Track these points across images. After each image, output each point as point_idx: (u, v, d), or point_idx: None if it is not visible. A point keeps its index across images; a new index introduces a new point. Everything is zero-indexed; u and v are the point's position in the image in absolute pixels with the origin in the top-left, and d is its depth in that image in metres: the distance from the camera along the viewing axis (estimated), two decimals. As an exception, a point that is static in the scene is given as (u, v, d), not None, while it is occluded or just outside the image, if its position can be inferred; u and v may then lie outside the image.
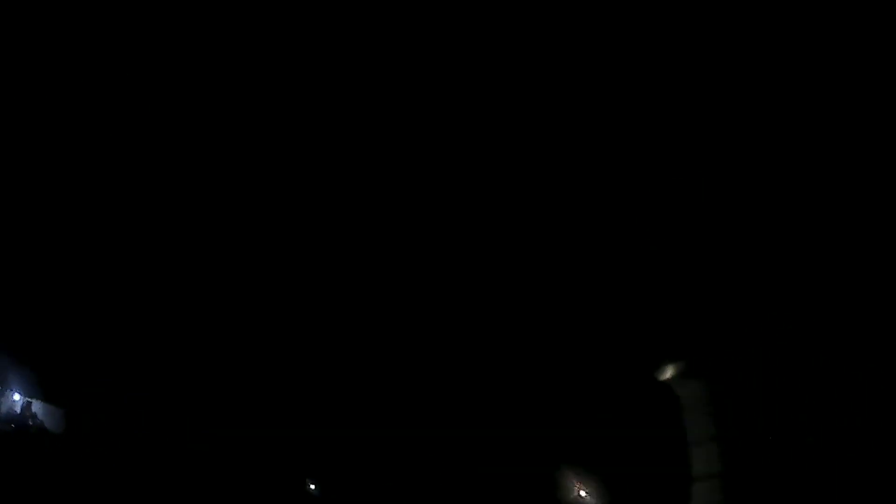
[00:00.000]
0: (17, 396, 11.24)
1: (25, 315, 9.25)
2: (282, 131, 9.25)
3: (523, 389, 11.61)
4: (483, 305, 11.27)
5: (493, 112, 9.02)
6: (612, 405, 11.74)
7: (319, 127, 9.26)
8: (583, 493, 11.44)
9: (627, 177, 10.56)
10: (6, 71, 8.07)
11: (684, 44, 7.75)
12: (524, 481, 11.26)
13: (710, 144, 9.75)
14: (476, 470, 11.35)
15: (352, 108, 9.12)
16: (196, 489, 9.23)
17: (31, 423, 11.26)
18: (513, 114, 9.03)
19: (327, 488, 10.68)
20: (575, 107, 9.33)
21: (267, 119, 9.21)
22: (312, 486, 10.55)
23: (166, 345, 9.70)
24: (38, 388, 10.49)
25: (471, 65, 8.83)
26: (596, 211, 11.27)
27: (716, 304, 12.01)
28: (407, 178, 9.62)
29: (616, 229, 11.52)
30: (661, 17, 7.52)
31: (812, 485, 10.36)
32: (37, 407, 11.49)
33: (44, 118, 8.75)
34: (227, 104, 8.89)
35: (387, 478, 10.79)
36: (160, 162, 9.21)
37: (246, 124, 9.22)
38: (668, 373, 12.57)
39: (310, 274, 10.00)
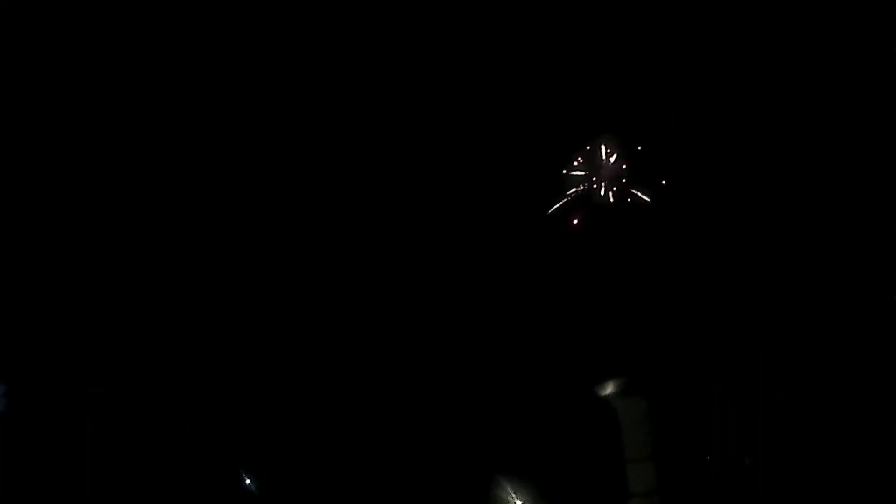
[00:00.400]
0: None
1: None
2: (282, 131, 9.09)
3: (462, 399, 11.55)
4: (427, 316, 11.17)
5: (487, 111, 9.02)
6: (551, 419, 11.78)
7: (319, 127, 9.12)
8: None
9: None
10: (6, 71, 7.94)
11: (678, 44, 7.88)
12: (459, 492, 11.18)
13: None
14: (414, 480, 11.22)
15: (352, 108, 9.00)
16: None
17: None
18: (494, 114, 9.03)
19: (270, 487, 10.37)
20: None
21: (267, 119, 9.05)
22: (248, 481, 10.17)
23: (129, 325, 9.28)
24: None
25: (471, 65, 8.82)
26: (541, 224, 11.32)
27: (657, 322, 12.17)
28: (407, 177, 9.50)
29: (561, 244, 11.61)
30: (660, 16, 7.66)
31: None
32: None
33: (44, 118, 8.55)
34: (227, 104, 8.75)
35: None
36: (153, 160, 8.94)
37: (246, 124, 9.06)
38: (608, 389, 12.68)
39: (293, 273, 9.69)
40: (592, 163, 10.50)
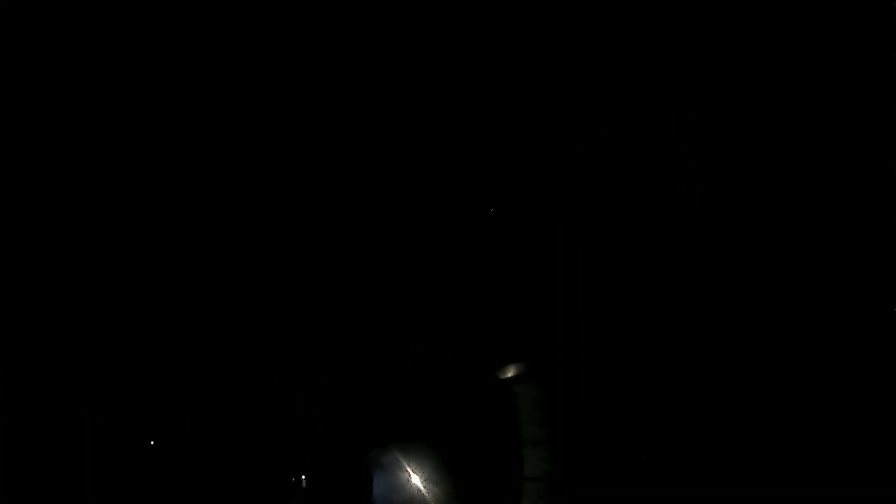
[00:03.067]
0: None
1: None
2: (281, 131, 9.07)
3: (361, 380, 10.99)
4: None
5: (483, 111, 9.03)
6: (451, 400, 11.32)
7: (319, 126, 9.11)
8: (416, 483, 10.87)
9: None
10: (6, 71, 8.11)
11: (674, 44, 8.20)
12: (355, 471, 10.48)
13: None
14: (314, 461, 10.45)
15: (351, 108, 9.02)
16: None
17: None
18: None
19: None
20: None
21: (266, 119, 9.09)
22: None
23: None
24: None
25: (470, 65, 8.96)
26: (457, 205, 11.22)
27: (560, 308, 12.07)
28: (406, 177, 9.37)
29: (468, 225, 11.49)
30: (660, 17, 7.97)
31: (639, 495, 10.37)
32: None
33: (44, 118, 8.64)
34: (227, 104, 8.87)
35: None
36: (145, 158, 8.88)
37: (246, 124, 9.12)
38: (508, 372, 12.30)
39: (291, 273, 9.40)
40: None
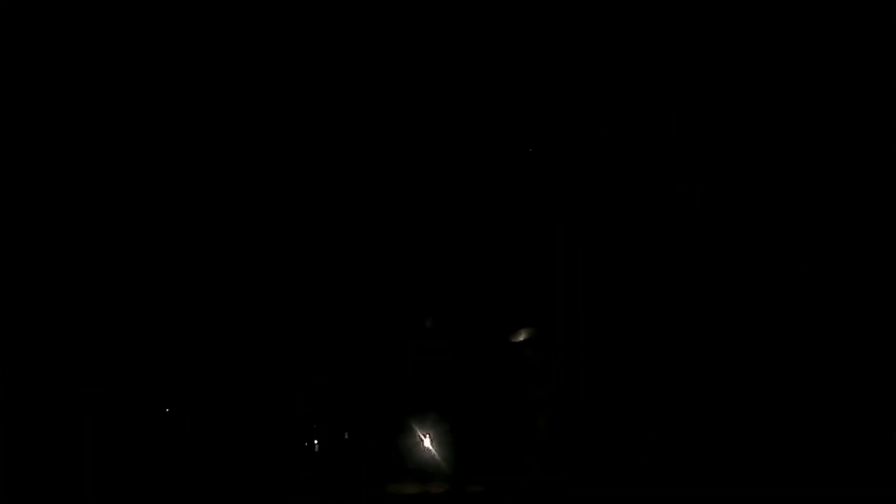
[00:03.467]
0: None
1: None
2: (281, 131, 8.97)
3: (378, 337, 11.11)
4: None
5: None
6: (463, 365, 11.47)
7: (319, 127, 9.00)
8: (426, 444, 11.12)
9: None
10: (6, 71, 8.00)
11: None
12: (370, 432, 10.72)
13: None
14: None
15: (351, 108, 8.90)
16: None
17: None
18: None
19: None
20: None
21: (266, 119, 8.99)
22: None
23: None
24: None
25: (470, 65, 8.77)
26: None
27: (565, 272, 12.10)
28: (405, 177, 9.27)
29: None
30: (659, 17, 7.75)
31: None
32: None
33: (44, 118, 8.58)
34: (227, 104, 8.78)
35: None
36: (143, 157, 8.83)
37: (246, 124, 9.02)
38: (520, 336, 12.43)
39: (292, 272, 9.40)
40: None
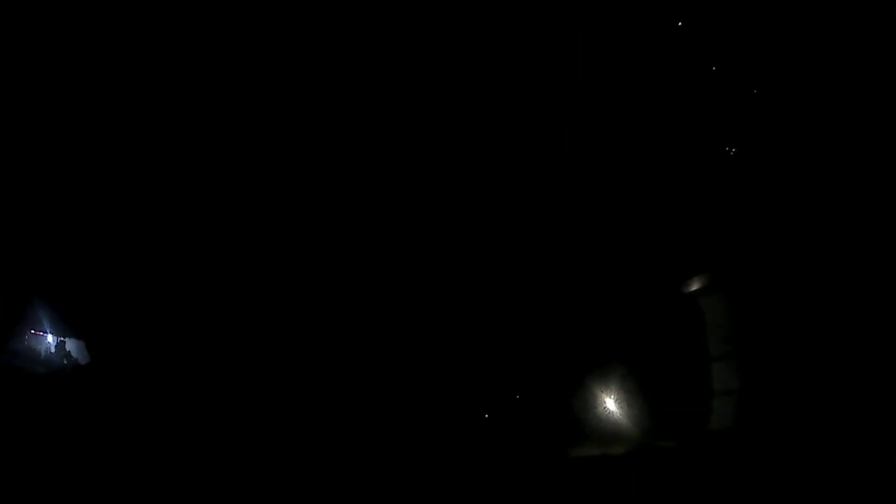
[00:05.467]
0: (50, 338, 10.34)
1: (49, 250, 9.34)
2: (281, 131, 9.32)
3: (544, 297, 11.37)
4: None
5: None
6: (635, 319, 11.59)
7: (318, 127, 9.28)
8: (608, 404, 11.57)
9: None
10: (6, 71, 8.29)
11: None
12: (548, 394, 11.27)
13: None
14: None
15: (351, 108, 9.13)
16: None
17: (65, 362, 10.41)
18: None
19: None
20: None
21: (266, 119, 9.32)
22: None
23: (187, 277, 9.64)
24: (70, 325, 10.01)
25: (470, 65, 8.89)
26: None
27: (742, 217, 11.52)
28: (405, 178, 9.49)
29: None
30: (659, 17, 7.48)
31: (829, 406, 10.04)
32: (71, 346, 10.50)
33: (44, 118, 9.23)
34: (227, 104, 9.11)
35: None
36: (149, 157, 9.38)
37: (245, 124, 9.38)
38: (693, 286, 12.22)
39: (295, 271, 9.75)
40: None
